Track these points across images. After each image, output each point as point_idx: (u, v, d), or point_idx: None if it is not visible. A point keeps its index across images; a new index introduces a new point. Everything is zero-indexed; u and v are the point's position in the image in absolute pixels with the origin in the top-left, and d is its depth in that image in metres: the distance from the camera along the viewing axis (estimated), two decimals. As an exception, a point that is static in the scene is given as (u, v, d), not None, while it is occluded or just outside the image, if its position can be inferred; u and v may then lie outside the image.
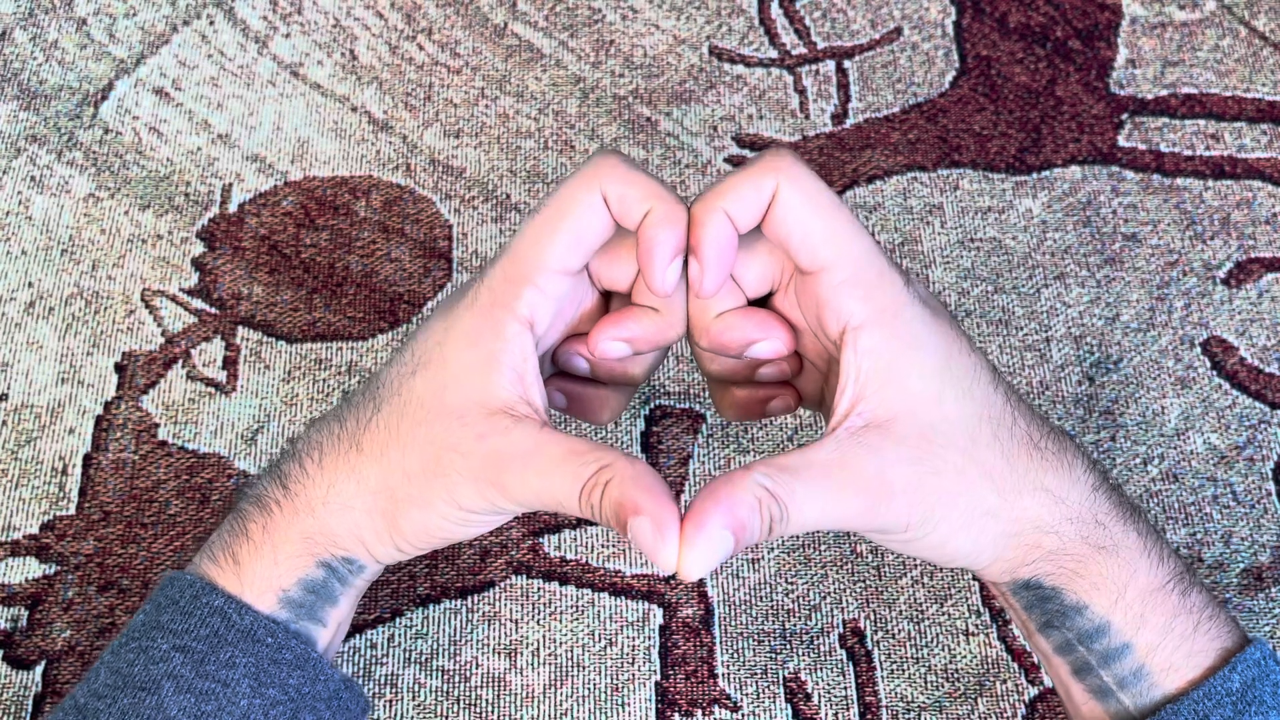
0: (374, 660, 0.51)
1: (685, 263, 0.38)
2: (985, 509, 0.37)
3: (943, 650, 0.52)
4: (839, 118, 0.67)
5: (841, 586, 0.53)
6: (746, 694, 0.51)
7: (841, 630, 0.52)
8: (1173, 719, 0.37)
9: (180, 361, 0.58)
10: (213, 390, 0.57)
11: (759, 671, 0.51)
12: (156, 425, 0.56)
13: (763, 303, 0.41)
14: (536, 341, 0.38)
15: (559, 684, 0.51)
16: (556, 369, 0.43)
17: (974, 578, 0.54)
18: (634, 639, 0.52)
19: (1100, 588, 0.38)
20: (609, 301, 0.42)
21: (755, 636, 0.52)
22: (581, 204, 0.38)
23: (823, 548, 0.54)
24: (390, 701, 0.50)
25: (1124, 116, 0.67)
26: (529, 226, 0.38)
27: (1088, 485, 0.39)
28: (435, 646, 0.52)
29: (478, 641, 0.52)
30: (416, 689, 0.51)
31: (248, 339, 0.59)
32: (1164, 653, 0.38)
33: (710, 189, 0.38)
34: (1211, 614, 0.39)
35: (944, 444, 0.37)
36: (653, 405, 0.57)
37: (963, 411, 0.37)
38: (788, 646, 0.52)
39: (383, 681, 0.51)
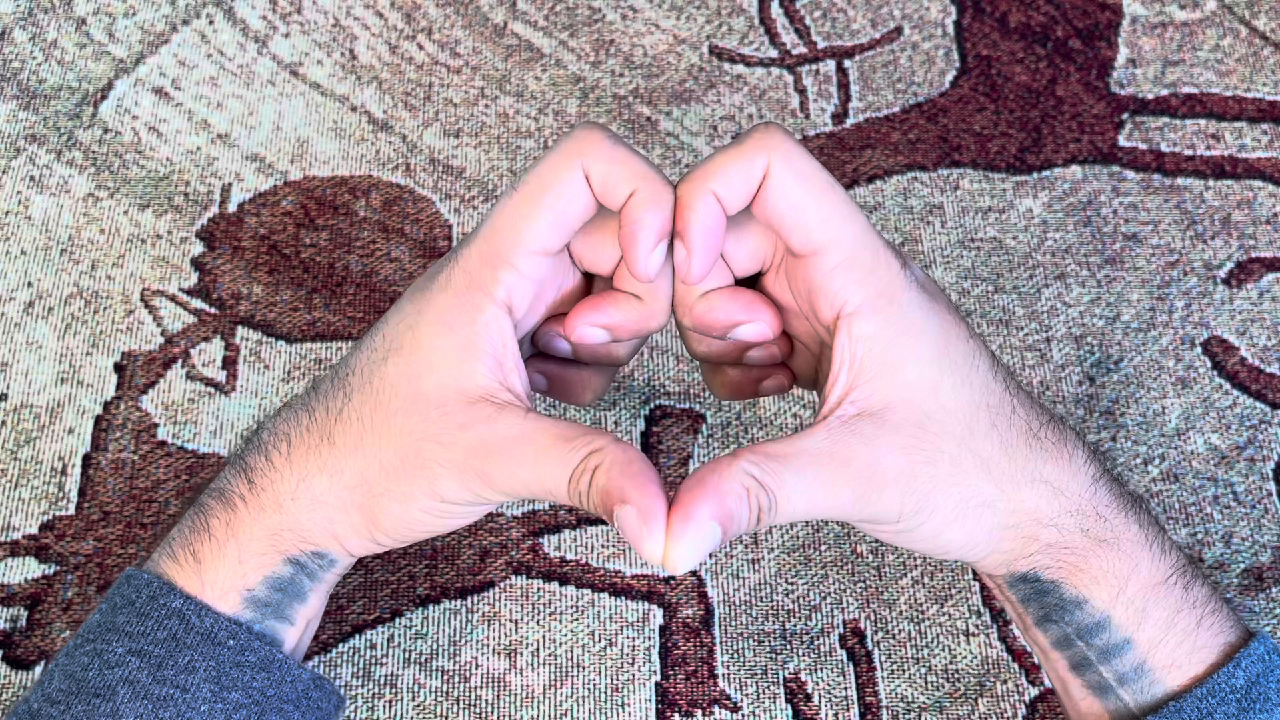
0: (374, 660, 0.51)
1: (670, 245, 0.37)
2: (981, 500, 0.36)
3: (943, 650, 0.52)
4: (839, 117, 0.67)
5: (841, 587, 0.53)
6: (746, 694, 0.51)
7: (842, 630, 0.52)
8: (1175, 716, 0.37)
9: (180, 361, 0.58)
10: (212, 390, 0.57)
11: (759, 672, 0.51)
12: (156, 425, 0.56)
13: (752, 282, 0.40)
14: (515, 325, 0.37)
15: (559, 684, 0.51)
16: (536, 350, 0.41)
17: (975, 577, 0.53)
18: (634, 639, 0.52)
19: (1100, 582, 0.37)
20: (592, 282, 0.41)
21: (755, 637, 0.52)
22: (562, 181, 0.36)
23: (823, 548, 0.54)
24: (390, 702, 0.50)
25: (1124, 116, 0.67)
26: (506, 204, 0.37)
27: (1088, 477, 0.38)
28: (435, 646, 0.52)
29: (478, 641, 0.52)
30: (416, 689, 0.51)
31: (247, 339, 0.59)
32: (1166, 648, 0.37)
33: (697, 168, 0.36)
34: (1214, 609, 0.38)
35: (939, 433, 0.36)
36: (653, 405, 0.57)
37: (960, 400, 0.36)
38: (788, 647, 0.52)
39: (382, 681, 0.51)
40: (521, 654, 0.51)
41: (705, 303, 0.39)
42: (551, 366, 0.42)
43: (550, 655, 0.51)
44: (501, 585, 0.53)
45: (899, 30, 0.70)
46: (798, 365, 0.42)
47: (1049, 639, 0.39)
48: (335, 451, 0.37)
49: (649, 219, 0.36)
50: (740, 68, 0.68)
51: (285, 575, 0.38)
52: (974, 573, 0.54)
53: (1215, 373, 0.59)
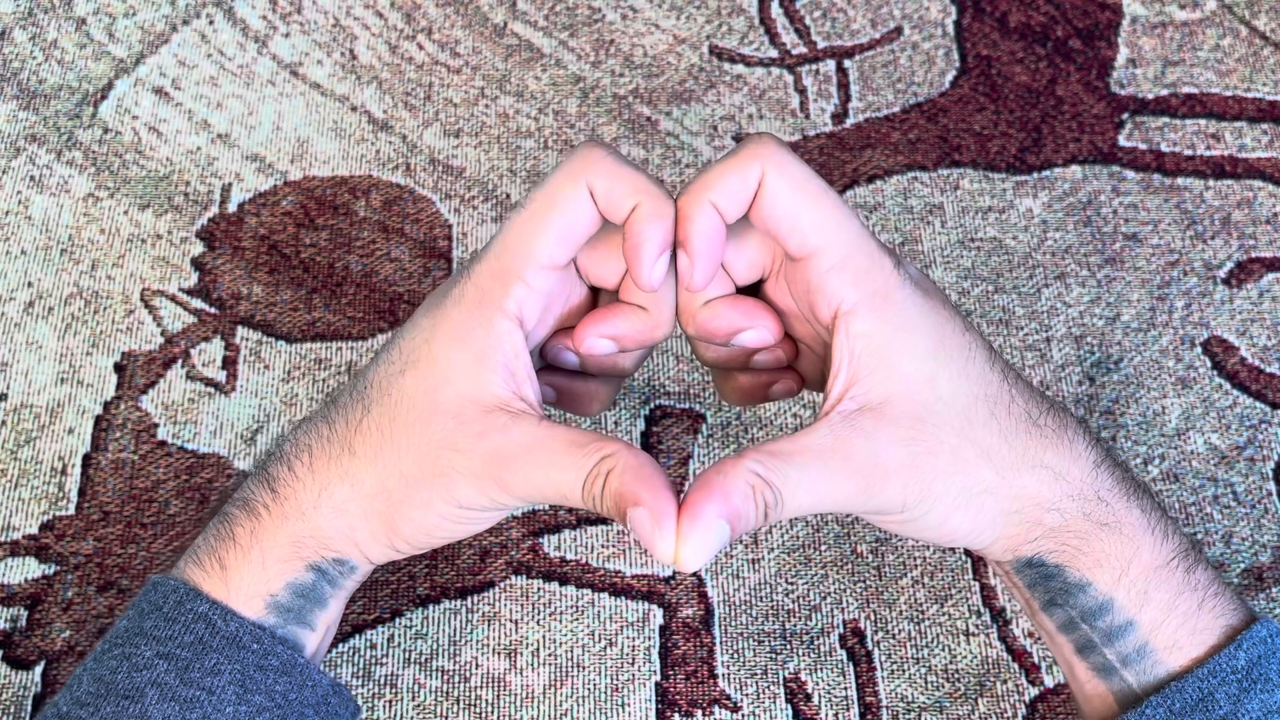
0: (374, 660, 0.51)
1: (673, 256, 0.38)
2: (983, 487, 0.37)
3: (943, 650, 0.52)
4: (839, 117, 0.67)
5: (841, 586, 0.53)
6: (746, 694, 0.51)
7: (842, 630, 0.52)
8: (1177, 696, 0.37)
9: (180, 361, 0.58)
10: (212, 390, 0.57)
11: (759, 672, 0.51)
12: (156, 425, 0.56)
13: (755, 289, 0.41)
14: (526, 337, 0.38)
15: (559, 684, 0.51)
16: (544, 363, 0.43)
17: (975, 577, 0.53)
18: (634, 639, 0.52)
19: (1103, 565, 0.38)
20: (598, 296, 0.42)
21: (755, 637, 0.52)
22: (568, 198, 0.37)
23: (823, 548, 0.54)
24: (390, 702, 0.50)
25: (1124, 116, 0.67)
26: (515, 221, 0.38)
27: (1089, 461, 0.38)
28: (435, 646, 0.52)
29: (478, 641, 0.52)
30: (416, 689, 0.51)
31: (247, 339, 0.59)
32: (1168, 630, 0.38)
33: (695, 180, 0.37)
34: (1217, 591, 0.39)
35: (938, 425, 0.37)
36: (653, 405, 0.57)
37: (957, 391, 0.37)
38: (788, 647, 0.52)
39: (383, 682, 0.51)
40: (521, 654, 0.51)
41: (708, 311, 0.40)
42: (559, 379, 0.43)
43: (550, 655, 0.51)
44: (501, 585, 0.53)
45: (899, 30, 0.70)
46: (804, 368, 0.43)
47: (1054, 623, 0.40)
48: (356, 461, 0.38)
49: (652, 231, 0.37)
50: (740, 68, 0.68)
51: (307, 581, 0.39)
52: (974, 572, 0.54)
53: (1215, 373, 0.59)
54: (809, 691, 0.51)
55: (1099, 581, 0.38)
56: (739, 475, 0.34)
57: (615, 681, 0.51)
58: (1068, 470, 0.38)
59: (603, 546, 0.54)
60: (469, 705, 0.50)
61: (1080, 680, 0.40)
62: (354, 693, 0.50)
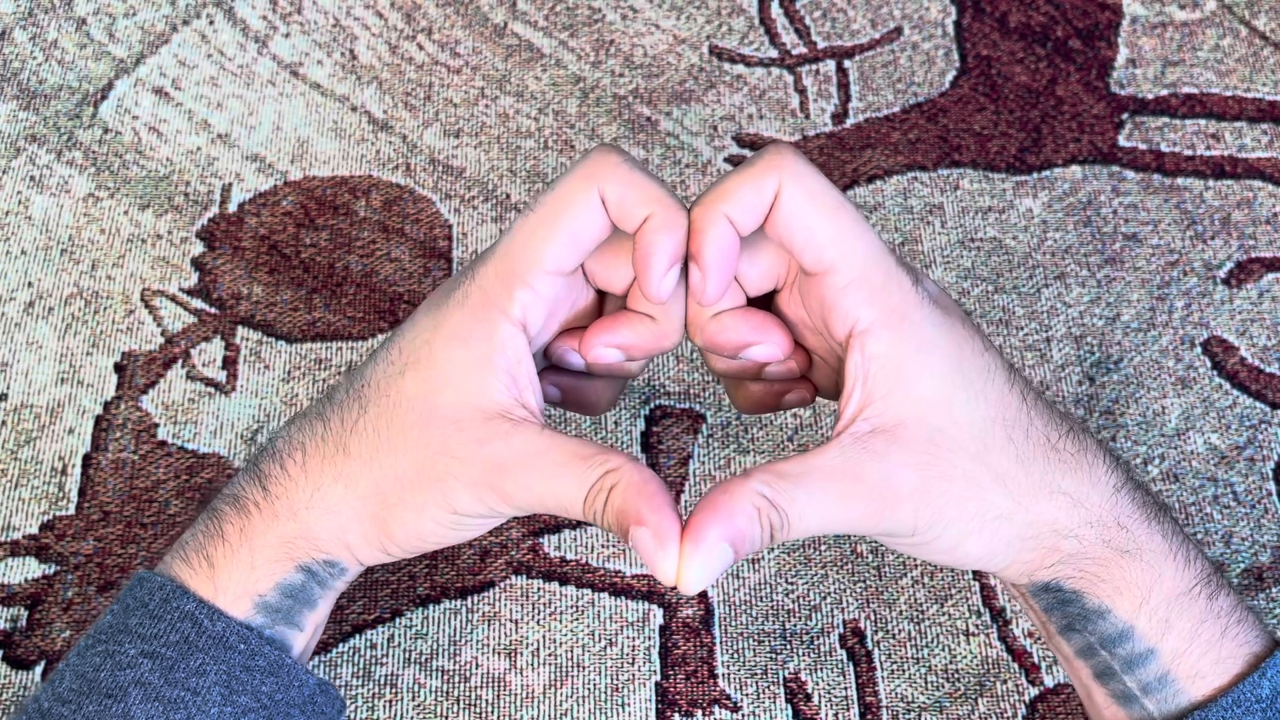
0: (374, 660, 0.51)
1: (685, 267, 0.37)
2: (997, 513, 0.36)
3: (943, 650, 0.52)
4: (839, 117, 0.67)
5: (842, 586, 0.53)
6: (746, 694, 0.51)
7: (842, 630, 0.52)
8: None
9: (180, 361, 0.58)
10: (212, 390, 0.57)
11: (759, 671, 0.51)
12: (156, 425, 0.56)
13: (766, 299, 0.41)
14: (529, 342, 0.38)
15: (559, 684, 0.51)
16: (548, 363, 0.42)
17: (975, 577, 0.53)
18: (634, 639, 0.52)
19: (1123, 592, 0.37)
20: (604, 298, 0.41)
21: (755, 636, 0.52)
22: (578, 203, 0.36)
23: (823, 548, 0.54)
24: (390, 701, 0.50)
25: (1124, 116, 0.67)
26: (523, 224, 0.37)
27: (1109, 486, 0.38)
28: (435, 646, 0.52)
29: (478, 641, 0.52)
30: (416, 689, 0.51)
31: (247, 339, 0.59)
32: (1190, 659, 0.37)
33: (711, 190, 0.37)
34: (1240, 618, 0.38)
35: (953, 449, 0.36)
36: (653, 405, 0.57)
37: (974, 415, 0.36)
38: (788, 646, 0.52)
39: (383, 681, 0.51)
40: (521, 654, 0.51)
41: (717, 323, 0.39)
42: (564, 379, 0.42)
43: (550, 655, 0.51)
44: (501, 585, 0.53)
45: (899, 30, 0.70)
46: (818, 378, 0.42)
47: (1072, 648, 0.39)
48: (350, 462, 0.37)
49: (663, 242, 0.36)
50: (740, 68, 0.68)
51: (297, 582, 0.38)
52: (974, 572, 0.54)
53: (1215, 373, 0.59)
54: (809, 691, 0.51)
55: (1119, 609, 0.37)
56: (744, 497, 0.34)
57: (615, 681, 0.51)
58: (1087, 496, 0.37)
59: (603, 546, 0.54)
60: (469, 705, 0.50)
61: (1099, 706, 0.39)
62: (354, 693, 0.50)
